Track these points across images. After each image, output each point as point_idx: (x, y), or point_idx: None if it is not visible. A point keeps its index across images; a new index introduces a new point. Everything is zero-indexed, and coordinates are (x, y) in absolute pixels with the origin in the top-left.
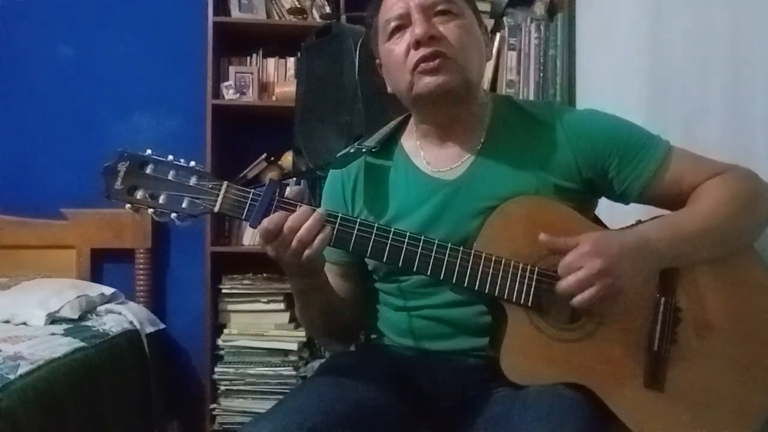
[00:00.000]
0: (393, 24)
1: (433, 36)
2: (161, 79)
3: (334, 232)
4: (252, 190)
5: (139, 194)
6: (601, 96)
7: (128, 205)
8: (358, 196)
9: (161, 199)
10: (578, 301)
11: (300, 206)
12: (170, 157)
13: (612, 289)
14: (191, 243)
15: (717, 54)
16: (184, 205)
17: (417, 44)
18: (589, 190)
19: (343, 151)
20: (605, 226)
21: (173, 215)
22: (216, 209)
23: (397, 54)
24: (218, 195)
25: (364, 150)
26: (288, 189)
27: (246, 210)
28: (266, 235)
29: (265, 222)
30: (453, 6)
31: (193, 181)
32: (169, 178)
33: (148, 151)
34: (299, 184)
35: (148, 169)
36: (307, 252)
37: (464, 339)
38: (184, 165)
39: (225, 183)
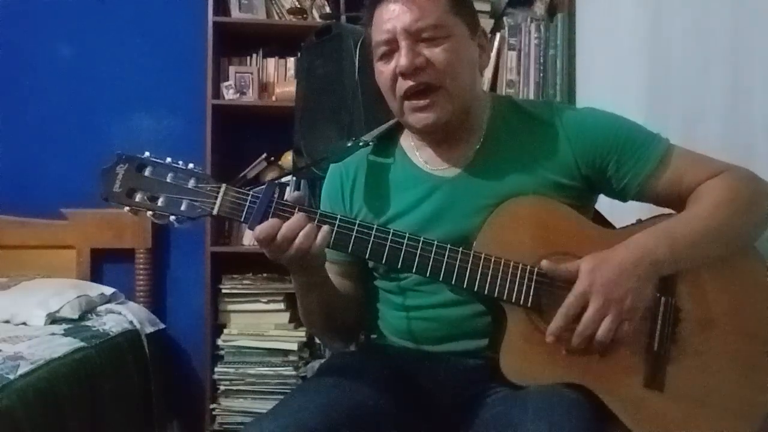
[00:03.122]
0: (381, 48)
1: (418, 66)
2: (161, 79)
3: (333, 234)
4: (250, 193)
5: (137, 197)
6: (601, 96)
7: (127, 208)
8: (357, 193)
9: (160, 202)
10: (600, 338)
11: (297, 210)
12: (168, 160)
13: (624, 312)
14: (191, 243)
15: (717, 54)
16: (182, 207)
17: (403, 75)
18: (588, 187)
19: (340, 147)
20: (606, 223)
21: (172, 218)
22: (215, 212)
23: (386, 78)
24: (217, 197)
25: (361, 144)
26: (288, 191)
27: (244, 213)
28: (260, 242)
29: (257, 231)
30: (440, 30)
31: (191, 183)
32: (168, 180)
33: (146, 154)
34: (299, 188)
35: (147, 172)
36: (304, 258)
37: (464, 342)
38: (183, 167)
39: (223, 185)
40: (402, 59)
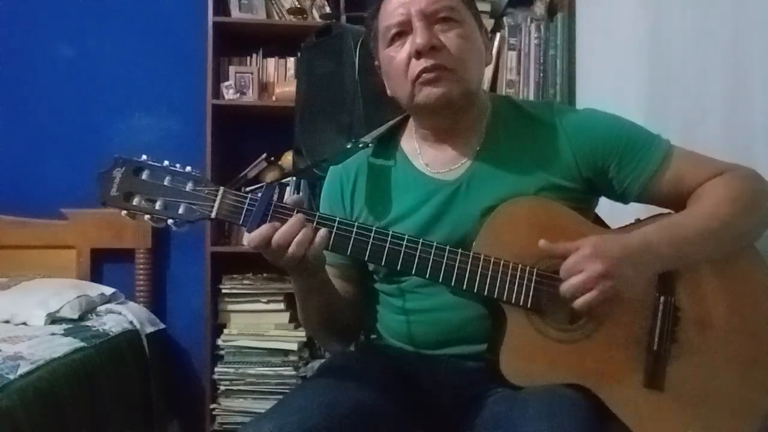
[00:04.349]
0: (393, 31)
1: (434, 46)
2: (161, 79)
3: (332, 237)
4: (249, 195)
5: (135, 200)
6: (601, 96)
7: (124, 212)
8: (358, 197)
9: (157, 206)
10: (579, 303)
11: (296, 213)
12: (166, 162)
13: (612, 292)
14: (191, 243)
15: (717, 54)
16: (180, 211)
17: (418, 54)
18: (589, 189)
19: (341, 150)
20: (606, 226)
21: (170, 221)
22: (213, 215)
23: (398, 62)
24: (215, 200)
25: (360, 146)
26: (288, 192)
27: (243, 216)
28: (255, 248)
29: (250, 238)
30: (455, 13)
31: (189, 186)
32: (165, 183)
33: (144, 157)
34: (299, 189)
35: (144, 175)
36: (302, 262)
37: (464, 346)
38: (180, 170)
39: (221, 188)
40: (418, 38)
